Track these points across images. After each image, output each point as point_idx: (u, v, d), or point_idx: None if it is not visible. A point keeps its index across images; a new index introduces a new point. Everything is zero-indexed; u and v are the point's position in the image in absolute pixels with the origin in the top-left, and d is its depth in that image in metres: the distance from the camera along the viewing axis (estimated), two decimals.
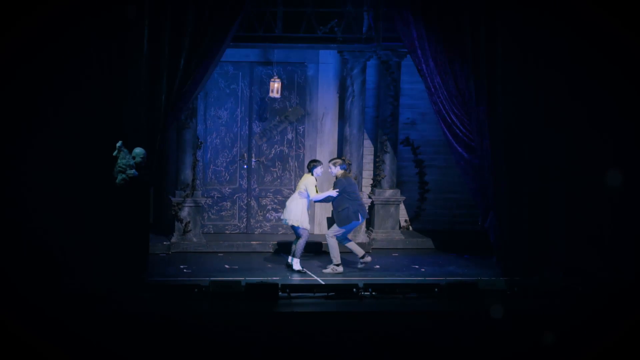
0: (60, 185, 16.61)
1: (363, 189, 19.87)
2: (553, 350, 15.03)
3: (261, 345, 14.76)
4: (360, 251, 17.96)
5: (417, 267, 18.43)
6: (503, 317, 15.42)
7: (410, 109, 20.29)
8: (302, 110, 19.94)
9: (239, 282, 16.02)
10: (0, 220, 16.46)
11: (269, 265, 18.35)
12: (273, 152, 19.94)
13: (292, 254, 17.99)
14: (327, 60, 19.86)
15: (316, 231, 19.87)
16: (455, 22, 17.47)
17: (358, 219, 17.83)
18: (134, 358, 14.39)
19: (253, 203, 20.00)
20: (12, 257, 16.32)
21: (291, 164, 20.00)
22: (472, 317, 15.56)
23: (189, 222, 19.11)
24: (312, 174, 17.87)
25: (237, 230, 19.99)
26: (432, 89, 17.71)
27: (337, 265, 17.81)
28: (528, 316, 15.60)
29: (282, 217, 18.14)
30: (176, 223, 19.15)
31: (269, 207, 20.00)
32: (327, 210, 19.43)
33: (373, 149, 20.06)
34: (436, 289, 16.33)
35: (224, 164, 19.84)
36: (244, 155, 19.87)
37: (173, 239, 19.15)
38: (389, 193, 19.91)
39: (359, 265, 18.01)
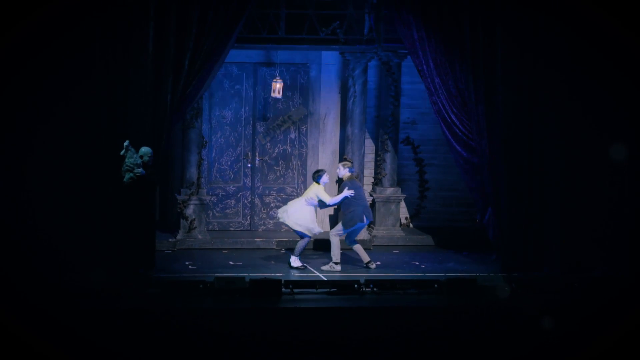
0: (68, 184, 16.60)
1: (364, 187, 19.65)
2: (550, 344, 15.11)
3: (264, 339, 14.78)
4: (366, 257, 17.91)
5: (417, 263, 18.46)
6: (505, 313, 15.50)
7: (411, 108, 20.27)
8: (305, 110, 19.93)
9: (243, 278, 16.03)
10: (7, 218, 16.48)
11: (272, 262, 18.33)
12: (276, 151, 19.97)
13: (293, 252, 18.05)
14: (329, 62, 19.91)
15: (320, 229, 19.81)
16: (455, 23, 17.47)
17: (363, 221, 17.79)
18: (140, 352, 14.44)
19: (257, 201, 20.03)
20: (19, 255, 16.33)
21: (294, 162, 20.04)
22: (470, 312, 15.57)
23: (194, 219, 19.12)
24: (320, 183, 17.78)
25: (241, 228, 20.02)
26: (432, 89, 17.71)
27: (336, 263, 17.78)
28: (525, 311, 15.60)
29: (278, 216, 18.09)
30: (182, 220, 19.14)
31: (272, 204, 19.99)
32: (329, 208, 19.27)
33: (374, 148, 20.04)
34: (436, 285, 16.34)
35: (229, 163, 19.86)
36: (248, 154, 19.89)
37: (179, 236, 19.13)
38: (389, 191, 19.92)
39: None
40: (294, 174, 20.11)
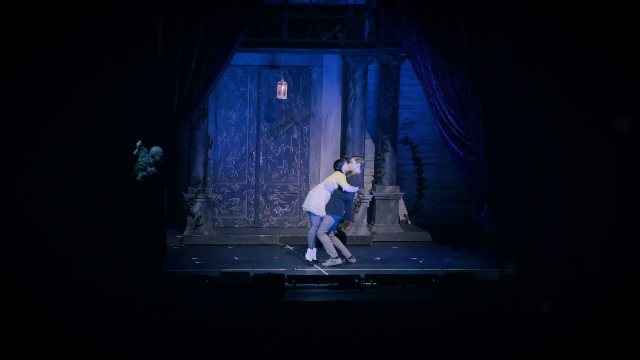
0: (79, 182, 16.55)
1: (364, 185, 19.79)
2: (544, 337, 15.23)
3: (268, 331, 14.85)
4: (333, 252, 17.79)
5: (415, 259, 18.53)
6: (497, 307, 15.53)
7: (409, 109, 20.40)
8: (307, 111, 20.01)
9: (247, 273, 16.10)
10: (15, 215, 16.48)
11: (276, 257, 18.40)
12: (280, 150, 20.10)
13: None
14: (330, 64, 19.98)
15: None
16: (452, 27, 17.42)
17: (341, 215, 17.86)
18: (149, 345, 14.53)
19: (261, 199, 20.13)
20: (26, 252, 16.37)
21: (297, 161, 20.14)
22: (467, 305, 15.62)
23: (201, 216, 19.19)
24: (342, 171, 17.88)
25: (246, 224, 20.11)
26: (430, 91, 17.66)
27: (335, 257, 17.79)
28: (520, 305, 15.65)
29: (303, 206, 18.08)
30: (188, 217, 19.20)
31: (276, 202, 20.14)
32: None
33: (374, 147, 20.11)
34: (433, 280, 16.38)
35: (234, 162, 19.96)
36: (252, 153, 19.98)
37: (185, 233, 19.18)
38: (389, 189, 20.01)
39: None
40: (297, 172, 20.21)
